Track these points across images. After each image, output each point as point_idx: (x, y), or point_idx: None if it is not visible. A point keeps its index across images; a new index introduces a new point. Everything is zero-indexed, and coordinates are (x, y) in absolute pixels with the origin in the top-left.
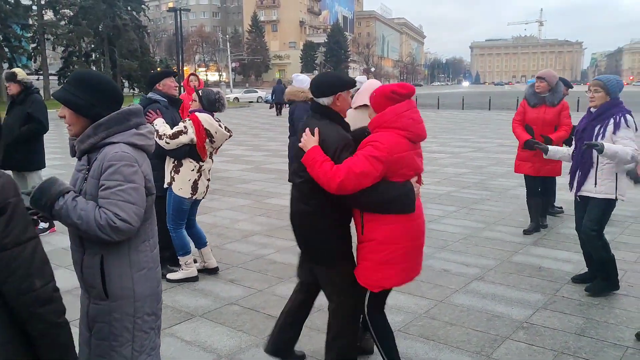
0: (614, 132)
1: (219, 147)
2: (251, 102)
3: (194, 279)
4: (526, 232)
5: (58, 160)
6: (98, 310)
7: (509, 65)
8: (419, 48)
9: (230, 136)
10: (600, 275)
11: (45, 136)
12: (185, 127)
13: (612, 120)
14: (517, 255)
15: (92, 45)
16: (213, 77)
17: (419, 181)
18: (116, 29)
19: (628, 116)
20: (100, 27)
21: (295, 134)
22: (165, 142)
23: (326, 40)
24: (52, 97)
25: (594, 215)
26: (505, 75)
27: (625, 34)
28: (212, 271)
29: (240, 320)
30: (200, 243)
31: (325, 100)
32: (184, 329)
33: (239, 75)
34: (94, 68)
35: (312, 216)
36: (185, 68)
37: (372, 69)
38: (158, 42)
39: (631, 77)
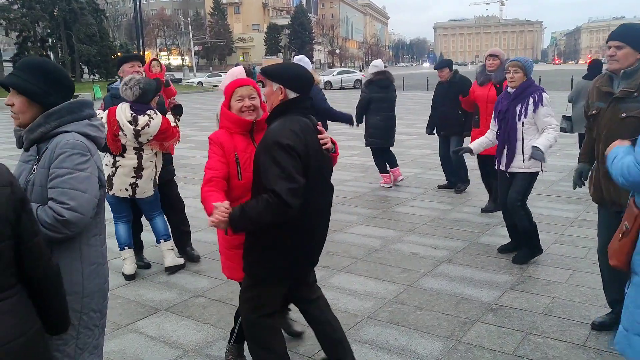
0: (534, 111)
1: (146, 141)
2: (215, 86)
3: (126, 278)
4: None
5: (12, 151)
6: None
7: (472, 45)
8: (383, 29)
9: (136, 129)
10: (525, 245)
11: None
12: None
13: (531, 100)
14: (484, 236)
15: (48, 30)
16: (176, 61)
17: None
18: (72, 13)
19: (544, 94)
20: (55, 11)
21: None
22: None
23: (290, 23)
24: None
25: (519, 187)
26: (469, 55)
27: (583, 13)
28: (167, 269)
29: (206, 313)
30: (156, 239)
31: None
32: (148, 324)
33: (203, 59)
34: (51, 54)
35: None
36: (146, 52)
37: (337, 51)
38: (117, 26)
39: (589, 56)
